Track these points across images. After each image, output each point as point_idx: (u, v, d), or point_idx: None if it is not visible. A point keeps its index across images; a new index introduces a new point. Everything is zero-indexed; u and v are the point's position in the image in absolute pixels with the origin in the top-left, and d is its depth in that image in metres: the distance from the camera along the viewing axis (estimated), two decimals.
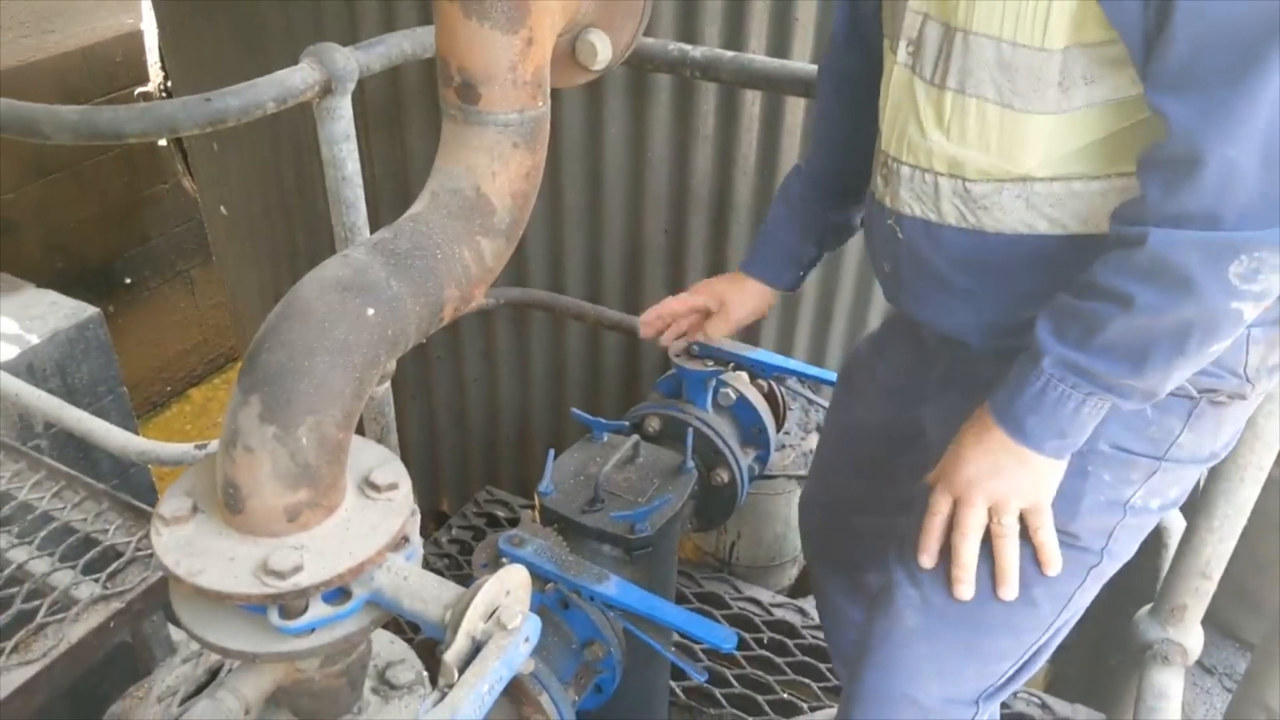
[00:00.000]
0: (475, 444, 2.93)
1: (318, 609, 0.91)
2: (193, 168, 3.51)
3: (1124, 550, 1.25)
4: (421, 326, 1.00)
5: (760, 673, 2.13)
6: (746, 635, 2.20)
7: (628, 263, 2.48)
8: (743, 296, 1.67)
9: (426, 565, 2.35)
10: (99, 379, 2.72)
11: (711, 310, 1.71)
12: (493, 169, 1.05)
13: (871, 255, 1.39)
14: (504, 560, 1.42)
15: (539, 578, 1.42)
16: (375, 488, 0.97)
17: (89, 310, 2.67)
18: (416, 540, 1.01)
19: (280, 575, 0.87)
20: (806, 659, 2.15)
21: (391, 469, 0.99)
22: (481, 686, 0.84)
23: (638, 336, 2.07)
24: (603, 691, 1.56)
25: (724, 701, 2.09)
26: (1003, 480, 1.14)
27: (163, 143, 4.33)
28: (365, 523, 0.94)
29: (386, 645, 1.17)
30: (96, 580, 1.58)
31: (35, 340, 2.55)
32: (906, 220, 1.24)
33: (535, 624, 0.89)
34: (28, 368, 2.53)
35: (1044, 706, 2.08)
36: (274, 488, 0.90)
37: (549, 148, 2.30)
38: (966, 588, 1.20)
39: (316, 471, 0.91)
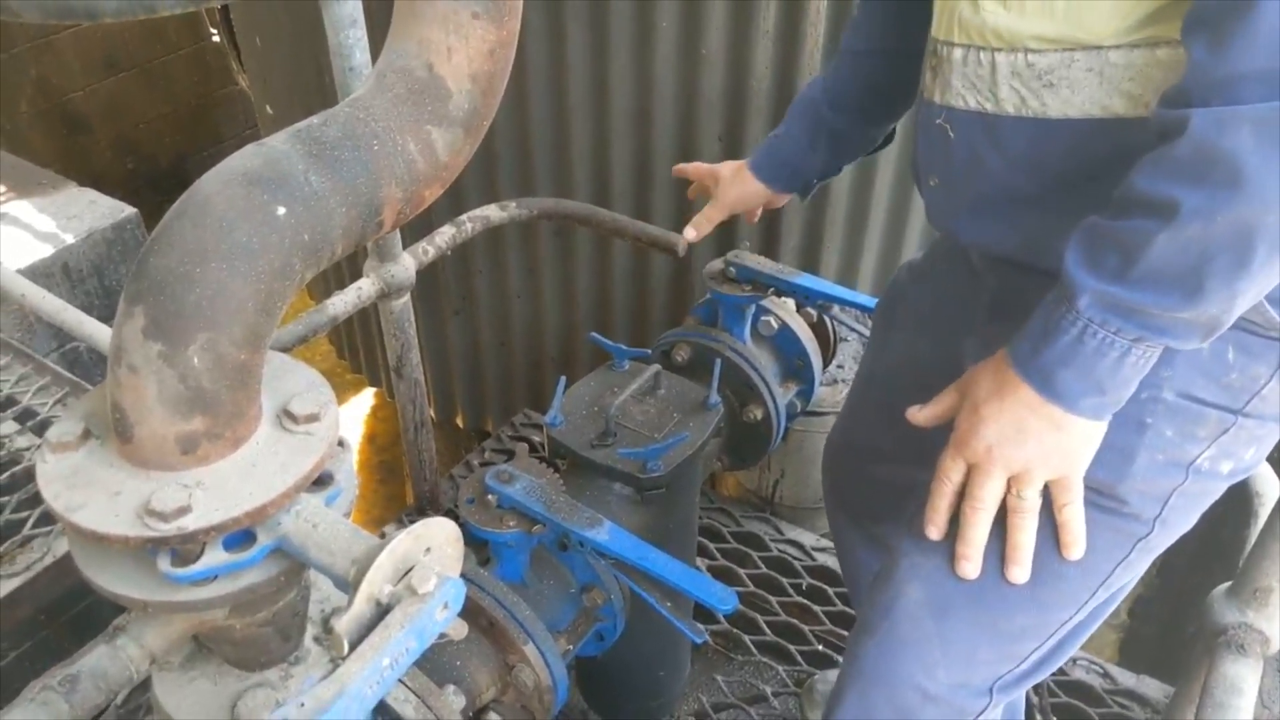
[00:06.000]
0: (519, 363, 2.81)
1: (214, 555, 0.78)
2: (245, 65, 3.40)
3: (1181, 520, 1.06)
4: (351, 231, 0.84)
5: (795, 621, 1.99)
6: (784, 580, 2.06)
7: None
8: (736, 185, 1.59)
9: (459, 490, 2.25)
10: None
11: (710, 189, 1.65)
12: (448, 44, 0.88)
13: (917, 170, 1.20)
14: (490, 497, 1.29)
15: (529, 518, 1.28)
16: (293, 418, 0.83)
17: (127, 210, 2.61)
18: (347, 479, 0.87)
19: (163, 517, 0.75)
20: (846, 609, 1.99)
21: (314, 397, 0.85)
22: (380, 660, 0.71)
23: (679, 255, 1.91)
24: (605, 640, 1.43)
25: (754, 649, 1.96)
26: (1028, 447, 0.95)
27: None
28: (274, 459, 0.81)
29: (336, 589, 1.05)
30: None
31: (71, 240, 2.50)
32: (959, 116, 1.05)
33: (456, 588, 0.75)
34: (63, 268, 2.48)
35: (1105, 675, 1.89)
36: (162, 414, 0.77)
37: (594, 45, 2.10)
38: (972, 566, 1.04)
39: (214, 397, 0.78)
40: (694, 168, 1.70)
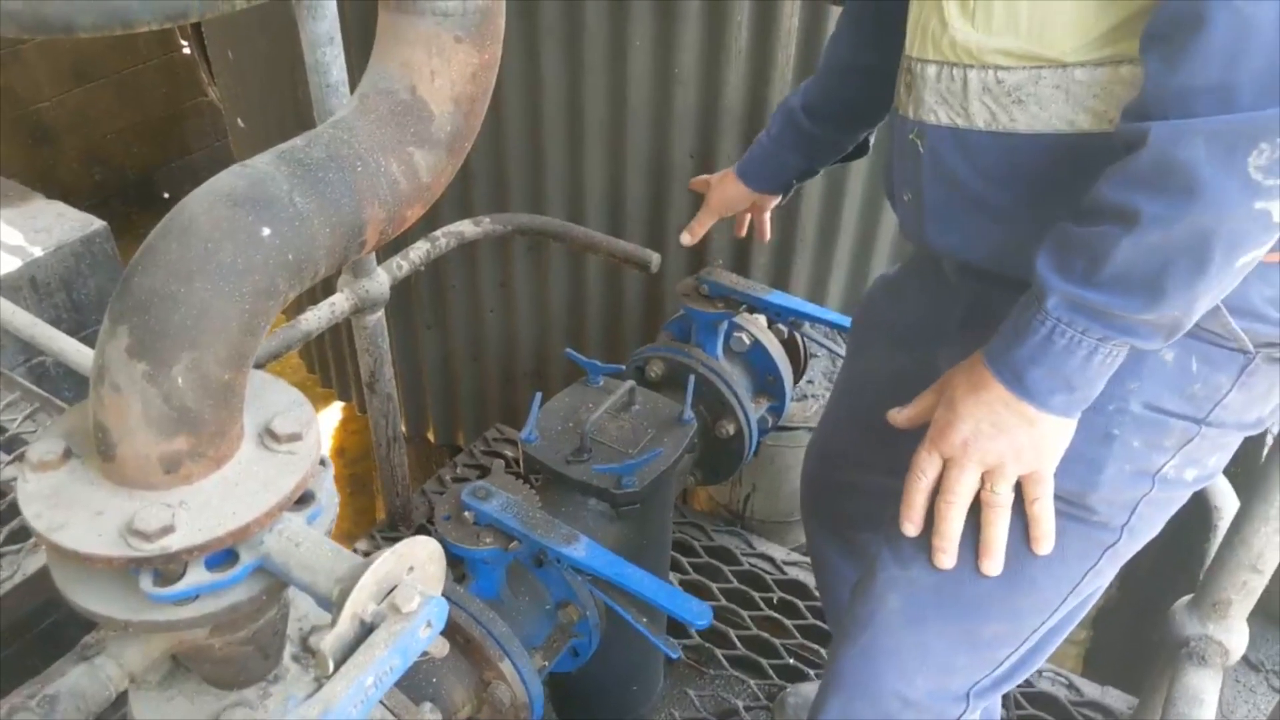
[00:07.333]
0: (492, 378, 2.81)
1: (197, 575, 0.79)
2: (216, 78, 3.38)
3: (1148, 528, 1.09)
4: (335, 251, 0.85)
5: (766, 634, 2.00)
6: (755, 594, 2.07)
7: (651, 190, 2.31)
8: (720, 188, 1.69)
9: (431, 505, 2.25)
10: (107, 294, 2.64)
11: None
12: (431, 67, 0.90)
13: (890, 187, 1.23)
14: (467, 513, 1.30)
15: (505, 534, 1.29)
16: (275, 437, 0.84)
17: (96, 223, 2.59)
18: (328, 497, 0.88)
19: (146, 537, 0.75)
20: (817, 622, 2.01)
21: (296, 416, 0.86)
22: (364, 679, 0.71)
23: (651, 271, 1.93)
24: (580, 655, 1.44)
25: (725, 664, 1.97)
26: (1002, 441, 0.99)
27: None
28: (257, 478, 0.81)
29: (315, 607, 1.06)
30: None
31: (39, 253, 2.48)
32: (931, 130, 1.08)
33: (439, 607, 0.76)
34: (30, 281, 2.45)
35: (1071, 687, 1.92)
36: (146, 434, 0.77)
37: (568, 63, 2.13)
38: (947, 558, 1.06)
39: (197, 417, 0.78)
40: (698, 179, 1.82)
